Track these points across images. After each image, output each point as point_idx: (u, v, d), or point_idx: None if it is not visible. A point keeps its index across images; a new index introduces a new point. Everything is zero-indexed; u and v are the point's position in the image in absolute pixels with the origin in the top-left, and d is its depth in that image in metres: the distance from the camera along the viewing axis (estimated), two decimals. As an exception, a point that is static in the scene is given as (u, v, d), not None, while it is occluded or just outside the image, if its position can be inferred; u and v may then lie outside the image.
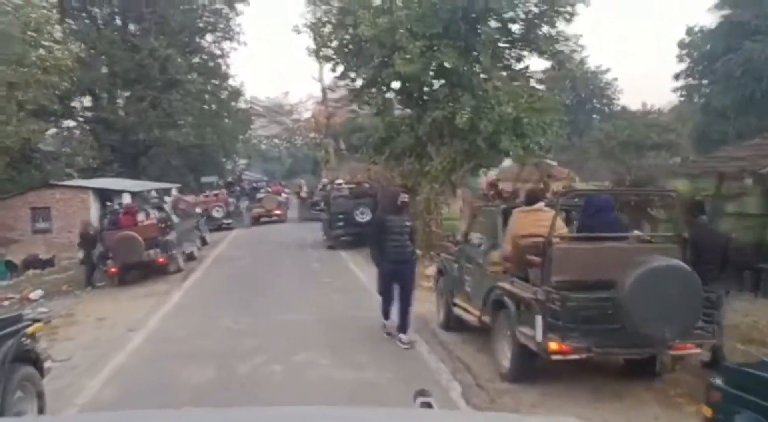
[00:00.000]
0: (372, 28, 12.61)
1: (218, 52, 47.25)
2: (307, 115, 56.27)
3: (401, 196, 9.16)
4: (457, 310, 9.28)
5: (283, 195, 35.42)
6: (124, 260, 15.84)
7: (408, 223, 9.11)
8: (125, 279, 16.66)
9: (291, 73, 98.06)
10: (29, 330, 6.25)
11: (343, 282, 13.99)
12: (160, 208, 17.95)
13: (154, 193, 28.26)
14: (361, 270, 15.75)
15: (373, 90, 14.62)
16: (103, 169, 39.45)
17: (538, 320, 6.63)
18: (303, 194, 31.36)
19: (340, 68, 14.84)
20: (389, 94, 14.72)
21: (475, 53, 13.29)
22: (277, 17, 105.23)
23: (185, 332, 10.04)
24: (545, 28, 13.20)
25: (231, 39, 46.50)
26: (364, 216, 19.34)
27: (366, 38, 13.26)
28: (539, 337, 6.61)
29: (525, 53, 13.99)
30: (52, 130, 41.39)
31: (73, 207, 26.58)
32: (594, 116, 53.32)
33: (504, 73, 13.71)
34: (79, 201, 27.07)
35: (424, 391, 1.85)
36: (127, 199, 26.49)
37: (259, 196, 33.46)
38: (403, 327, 8.96)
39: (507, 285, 7.51)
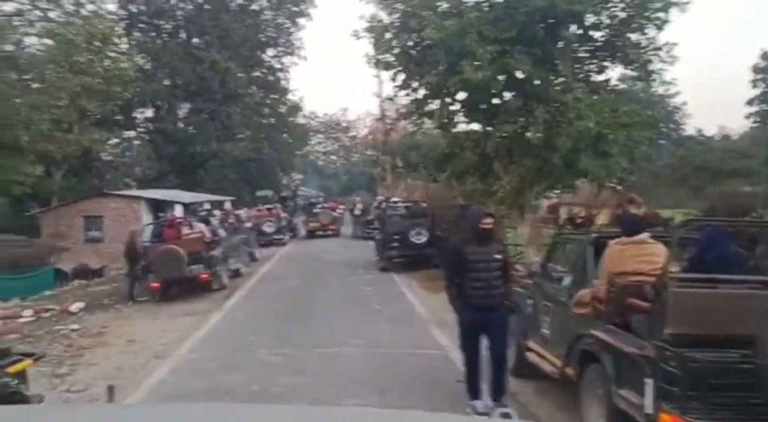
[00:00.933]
0: (438, 32, 11.30)
1: (278, 66, 46.90)
2: (364, 132, 55.21)
3: (483, 219, 6.70)
4: (530, 356, 7.75)
5: (338, 211, 34.56)
6: (166, 275, 14.83)
7: (498, 256, 6.73)
8: (168, 295, 15.69)
9: (350, 90, 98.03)
10: (14, 368, 5.06)
11: (395, 311, 12.57)
12: (206, 222, 16.94)
13: (207, 206, 27.54)
14: (415, 296, 14.33)
15: (437, 101, 13.26)
16: (161, 180, 39.23)
17: (649, 385, 5.08)
18: (357, 211, 30.18)
19: (401, 77, 13.58)
20: (454, 106, 13.35)
21: (552, 62, 11.83)
22: (338, 34, 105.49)
23: (216, 364, 8.78)
24: (634, 36, 11.63)
25: (292, 53, 46.13)
26: (420, 237, 17.93)
27: (432, 42, 11.98)
28: (649, 407, 5.06)
29: (606, 64, 12.44)
30: (114, 140, 41.57)
31: (125, 217, 25.99)
32: (660, 141, 50.91)
33: (581, 86, 12.16)
34: (131, 211, 26.50)
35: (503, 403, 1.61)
36: (178, 211, 25.85)
37: (315, 210, 33.92)
38: (496, 392, 6.75)
39: (601, 334, 5.96)
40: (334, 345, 9.71)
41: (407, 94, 13.61)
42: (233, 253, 17.71)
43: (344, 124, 70.62)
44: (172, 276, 14.82)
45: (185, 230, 15.68)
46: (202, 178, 40.84)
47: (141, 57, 39.01)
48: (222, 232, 17.34)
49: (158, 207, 26.85)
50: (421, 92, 13.34)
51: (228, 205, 32.53)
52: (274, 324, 11.49)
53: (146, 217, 25.77)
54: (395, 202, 19.77)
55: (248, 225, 23.25)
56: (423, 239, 17.91)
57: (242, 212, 29.33)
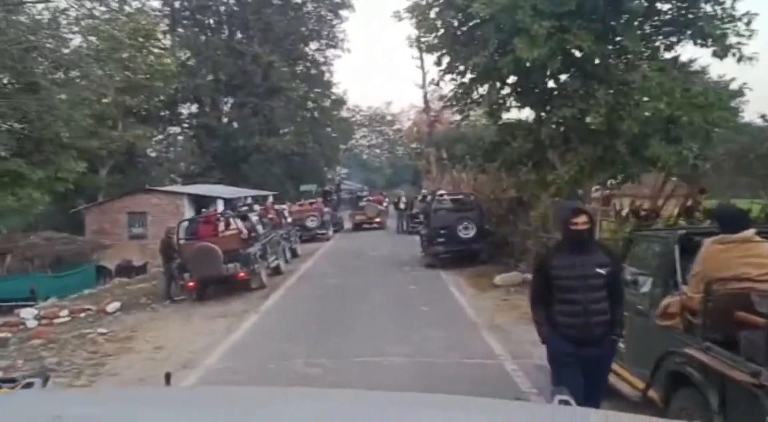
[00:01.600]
0: (487, 6, 10.16)
1: (322, 59, 46.18)
2: (408, 123, 54.04)
3: (573, 217, 4.80)
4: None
5: (384, 204, 33.84)
6: (201, 274, 14.09)
7: (600, 271, 4.77)
8: (205, 294, 14.99)
9: (394, 82, 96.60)
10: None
11: (443, 313, 11.52)
12: (244, 218, 16.15)
13: (248, 201, 26.93)
14: (463, 296, 13.25)
15: (485, 85, 12.12)
16: (205, 175, 38.94)
17: (771, 424, 3.96)
18: (401, 205, 29.15)
19: (446, 60, 12.47)
20: (504, 91, 12.19)
21: (614, 38, 10.58)
22: (382, 24, 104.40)
23: (246, 375, 7.90)
24: (708, 7, 10.28)
25: (335, 46, 45.35)
26: (468, 231, 16.82)
27: (479, 19, 10.86)
28: (770, 452, 3.94)
29: (675, 39, 11.08)
30: (159, 136, 41.46)
31: (167, 212, 25.60)
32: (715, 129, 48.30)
33: (648, 64, 10.85)
34: (174, 207, 26.13)
35: (561, 389, 1.77)
36: (220, 206, 25.27)
37: (361, 203, 33.63)
38: None
39: (698, 354, 4.83)
40: (376, 354, 8.72)
41: (453, 79, 12.49)
42: (273, 250, 16.91)
43: (388, 117, 69.56)
44: (207, 274, 14.08)
45: (222, 227, 14.91)
46: (246, 173, 40.39)
47: (183, 53, 38.78)
48: (261, 229, 16.53)
49: (200, 202, 26.39)
50: (468, 76, 12.20)
51: (270, 200, 31.97)
52: (312, 329, 10.58)
53: (188, 213, 25.29)
54: (441, 195, 18.66)
55: (289, 220, 22.44)
56: (471, 233, 16.80)
57: (285, 207, 28.72)
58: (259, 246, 15.56)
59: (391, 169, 67.34)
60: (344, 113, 52.98)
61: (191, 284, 14.34)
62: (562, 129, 11.23)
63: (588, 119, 10.37)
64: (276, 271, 17.03)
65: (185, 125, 42.35)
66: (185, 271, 14.37)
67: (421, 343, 9.31)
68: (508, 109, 12.13)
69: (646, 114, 9.77)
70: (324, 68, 46.20)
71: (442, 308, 11.92)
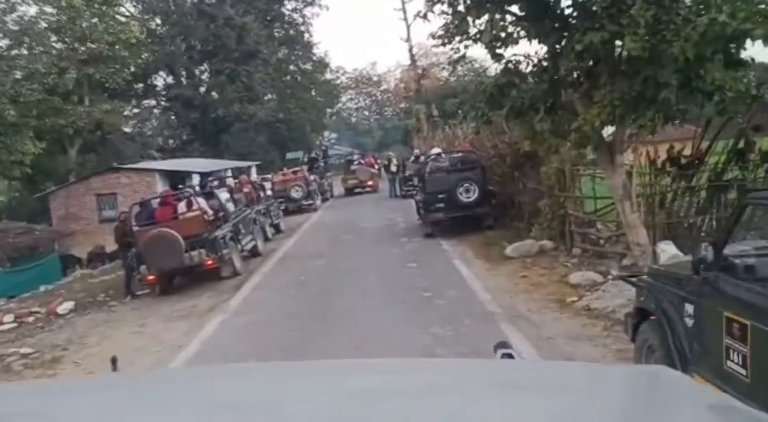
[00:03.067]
0: None
1: (299, 19, 42.98)
2: (396, 81, 50.97)
3: None
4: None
5: (376, 167, 31.74)
6: (159, 265, 11.69)
7: None
8: (171, 287, 12.65)
9: (378, 41, 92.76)
10: None
11: (451, 300, 9.14)
12: (210, 195, 13.69)
13: (224, 174, 24.39)
14: (472, 274, 10.88)
15: (484, 17, 9.54)
16: (185, 149, 36.33)
17: None
18: (393, 167, 26.61)
19: (435, -15, 9.90)
20: (508, 19, 9.62)
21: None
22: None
23: None
24: None
25: (312, 4, 42.09)
26: (469, 194, 14.38)
27: None
28: None
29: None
30: (134, 111, 38.65)
31: (139, 192, 23.00)
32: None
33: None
34: (145, 185, 23.58)
35: (504, 343, 1.73)
36: (196, 181, 22.71)
37: (352, 167, 30.91)
38: None
39: None
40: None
41: (444, 12, 9.87)
42: (248, 230, 14.47)
43: (375, 78, 66.29)
44: (166, 266, 11.67)
45: (182, 208, 12.42)
46: (228, 144, 37.76)
47: (151, 18, 35.72)
48: (231, 206, 14.07)
49: (174, 178, 23.80)
50: (462, 4, 9.62)
51: (254, 171, 29.42)
52: (289, 331, 8.20)
53: (162, 190, 22.81)
54: (438, 155, 16.09)
55: (269, 192, 19.94)
56: (473, 196, 14.36)
57: (270, 177, 26.19)
58: (230, 228, 13.12)
59: (381, 131, 64.45)
60: (328, 75, 49.95)
61: (150, 278, 11.96)
62: (586, 62, 8.69)
63: (621, 46, 7.84)
64: (253, 253, 14.64)
65: (161, 98, 39.44)
66: (142, 263, 11.98)
67: (425, 348, 6.97)
68: (515, 42, 9.54)
69: (701, 31, 7.26)
70: (303, 28, 43.09)
71: (450, 293, 9.54)
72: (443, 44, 10.25)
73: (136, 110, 38.42)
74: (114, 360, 2.14)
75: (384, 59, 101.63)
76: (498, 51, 9.73)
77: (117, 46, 29.75)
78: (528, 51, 9.93)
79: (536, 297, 8.95)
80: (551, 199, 12.13)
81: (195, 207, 12.27)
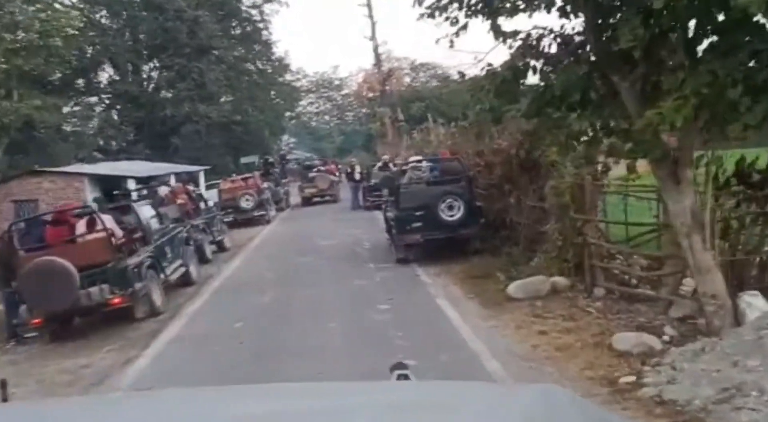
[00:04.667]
0: None
1: (258, 16, 39.54)
2: (359, 80, 47.80)
3: None
4: None
5: (337, 174, 28.28)
6: (43, 306, 8.43)
7: None
8: (69, 329, 9.40)
9: (339, 46, 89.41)
10: None
11: (448, 371, 6.14)
12: (126, 210, 10.44)
13: (172, 179, 21.04)
14: (465, 321, 7.96)
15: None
16: (129, 151, 32.56)
17: None
18: (356, 176, 23.52)
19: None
20: None
21: None
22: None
23: None
24: None
25: (271, 0, 38.70)
26: (453, 211, 11.46)
27: None
28: None
29: None
30: (75, 108, 34.74)
31: (64, 198, 19.46)
32: None
33: None
34: (73, 191, 20.04)
35: (401, 364, 1.75)
36: (132, 187, 19.26)
37: (311, 175, 27.12)
38: None
39: None
40: None
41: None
42: (177, 252, 11.24)
43: (336, 82, 63.11)
44: (53, 306, 8.41)
45: (81, 228, 9.15)
46: (177, 146, 34.12)
47: (92, 8, 31.97)
48: (155, 223, 10.84)
49: (107, 184, 20.30)
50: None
51: (202, 178, 26.03)
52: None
53: (91, 198, 19.34)
54: (418, 162, 12.95)
55: (211, 203, 16.66)
56: (458, 214, 11.44)
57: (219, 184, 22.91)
58: (149, 252, 9.89)
59: (342, 136, 61.30)
60: (288, 76, 46.58)
61: (35, 321, 8.68)
62: (651, 29, 5.77)
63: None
64: (185, 281, 11.43)
65: (105, 95, 35.56)
66: (23, 301, 8.69)
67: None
68: (535, 9, 6.65)
69: None
70: (261, 26, 39.64)
71: (442, 359, 6.53)
72: (431, 16, 7.22)
73: (77, 108, 34.53)
74: (4, 385, 1.89)
75: (346, 64, 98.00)
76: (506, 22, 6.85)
77: (51, 37, 26.03)
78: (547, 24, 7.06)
79: (571, 372, 6.03)
80: (563, 223, 9.28)
81: (99, 226, 9.01)
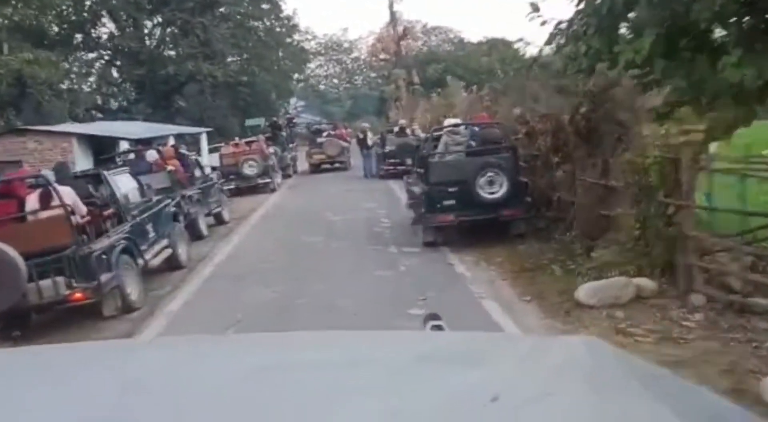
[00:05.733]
0: None
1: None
2: (371, 40, 44.86)
3: None
4: None
5: (348, 139, 25.85)
6: (-20, 305, 6.39)
7: None
8: (23, 328, 7.37)
9: (349, 6, 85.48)
10: None
11: None
12: (96, 179, 8.33)
13: (171, 141, 18.87)
14: (525, 333, 5.84)
15: None
16: (129, 111, 30.35)
17: None
18: (369, 142, 21.26)
19: None
20: None
21: None
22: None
23: None
24: None
25: (279, -48, 35.79)
26: (495, 188, 9.31)
27: None
28: None
29: None
30: (76, 64, 32.37)
31: (51, 160, 17.38)
32: None
33: None
34: (60, 152, 17.89)
35: (434, 315, 1.58)
36: (125, 148, 17.09)
37: (320, 140, 24.38)
38: None
39: None
40: None
41: None
42: (163, 230, 9.15)
43: (345, 45, 60.17)
44: (-7, 306, 6.38)
45: (32, 203, 7.04)
46: (181, 107, 31.88)
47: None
48: (135, 195, 8.73)
49: (99, 145, 18.18)
50: None
51: (204, 140, 23.77)
52: None
53: (81, 160, 17.23)
54: (455, 127, 10.57)
55: (209, 170, 14.50)
56: (500, 191, 9.30)
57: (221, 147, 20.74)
58: (123, 234, 7.81)
59: (351, 100, 58.66)
60: (297, 37, 43.85)
61: (-29, 322, 6.67)
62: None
63: None
64: (172, 265, 9.37)
65: (104, 51, 33.13)
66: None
67: None
68: None
69: None
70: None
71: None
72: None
73: (76, 64, 32.18)
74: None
75: (355, 26, 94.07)
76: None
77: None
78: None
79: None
80: (645, 207, 7.15)
81: (55, 202, 6.90)
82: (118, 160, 12.16)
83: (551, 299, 6.99)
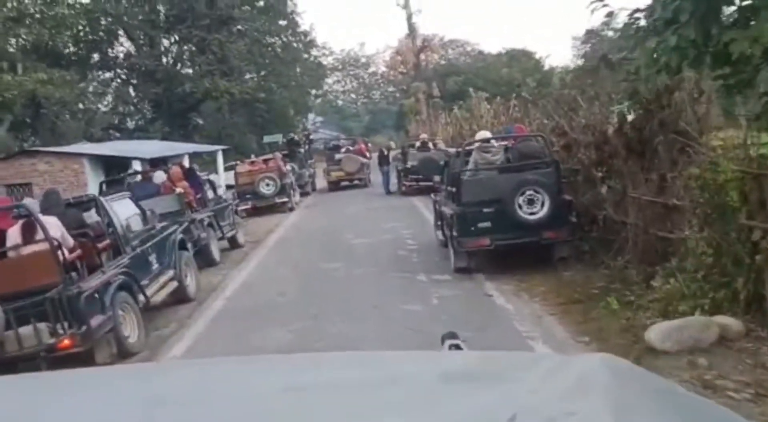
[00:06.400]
0: None
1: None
2: (389, 52, 43.94)
3: None
4: None
5: (368, 155, 24.73)
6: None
7: None
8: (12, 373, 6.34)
9: (366, 20, 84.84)
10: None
11: None
12: (87, 204, 7.41)
13: (186, 160, 18.07)
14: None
15: None
16: (146, 129, 29.74)
17: None
18: (390, 157, 20.21)
19: None
20: None
21: None
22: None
23: None
24: None
25: (296, -32, 35.22)
26: (536, 207, 8.24)
27: None
28: None
29: None
30: (93, 84, 31.89)
31: (63, 182, 16.72)
32: None
33: None
34: (71, 173, 17.23)
35: (453, 334, 1.57)
36: (137, 169, 16.27)
37: (338, 156, 23.30)
38: None
39: None
40: None
41: None
42: (166, 261, 8.19)
43: (363, 60, 59.54)
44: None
45: (13, 237, 6.12)
46: (198, 125, 31.23)
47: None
48: (136, 223, 7.79)
49: (112, 165, 17.43)
50: None
51: (220, 158, 22.99)
52: None
53: (93, 181, 16.48)
54: (486, 141, 9.39)
55: (222, 190, 13.59)
56: (541, 211, 8.22)
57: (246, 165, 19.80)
58: (120, 268, 6.85)
59: (369, 115, 57.85)
60: (314, 52, 43.20)
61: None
62: None
63: None
64: (179, 298, 8.40)
65: (121, 70, 32.64)
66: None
67: None
68: None
69: None
70: (286, -3, 36.23)
71: None
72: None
73: (94, 84, 31.70)
74: None
75: (372, 42, 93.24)
76: None
77: (56, 4, 23.16)
78: None
79: None
80: (720, 230, 6.04)
81: (39, 235, 5.96)
82: (130, 181, 11.23)
83: (614, 340, 5.88)
